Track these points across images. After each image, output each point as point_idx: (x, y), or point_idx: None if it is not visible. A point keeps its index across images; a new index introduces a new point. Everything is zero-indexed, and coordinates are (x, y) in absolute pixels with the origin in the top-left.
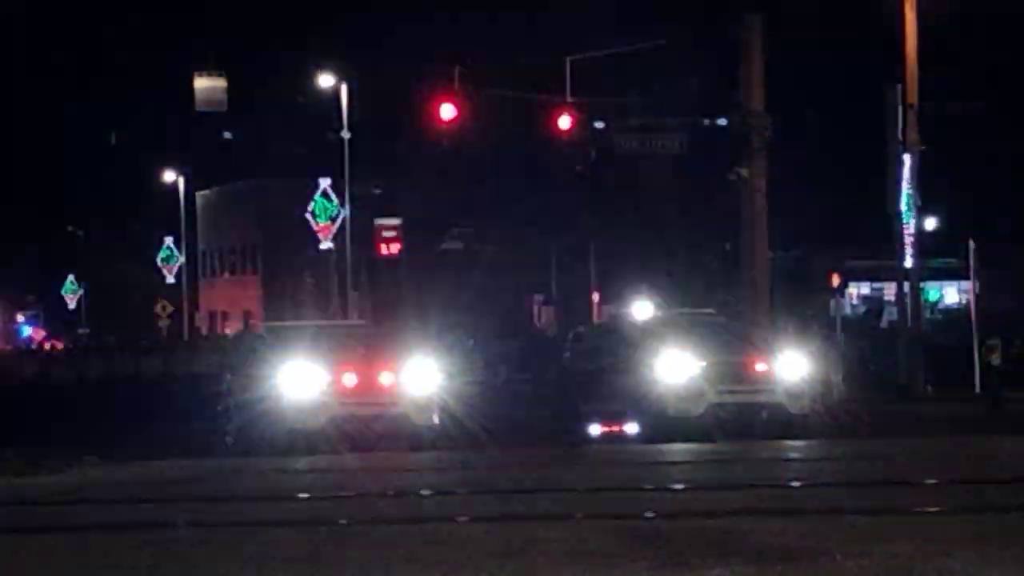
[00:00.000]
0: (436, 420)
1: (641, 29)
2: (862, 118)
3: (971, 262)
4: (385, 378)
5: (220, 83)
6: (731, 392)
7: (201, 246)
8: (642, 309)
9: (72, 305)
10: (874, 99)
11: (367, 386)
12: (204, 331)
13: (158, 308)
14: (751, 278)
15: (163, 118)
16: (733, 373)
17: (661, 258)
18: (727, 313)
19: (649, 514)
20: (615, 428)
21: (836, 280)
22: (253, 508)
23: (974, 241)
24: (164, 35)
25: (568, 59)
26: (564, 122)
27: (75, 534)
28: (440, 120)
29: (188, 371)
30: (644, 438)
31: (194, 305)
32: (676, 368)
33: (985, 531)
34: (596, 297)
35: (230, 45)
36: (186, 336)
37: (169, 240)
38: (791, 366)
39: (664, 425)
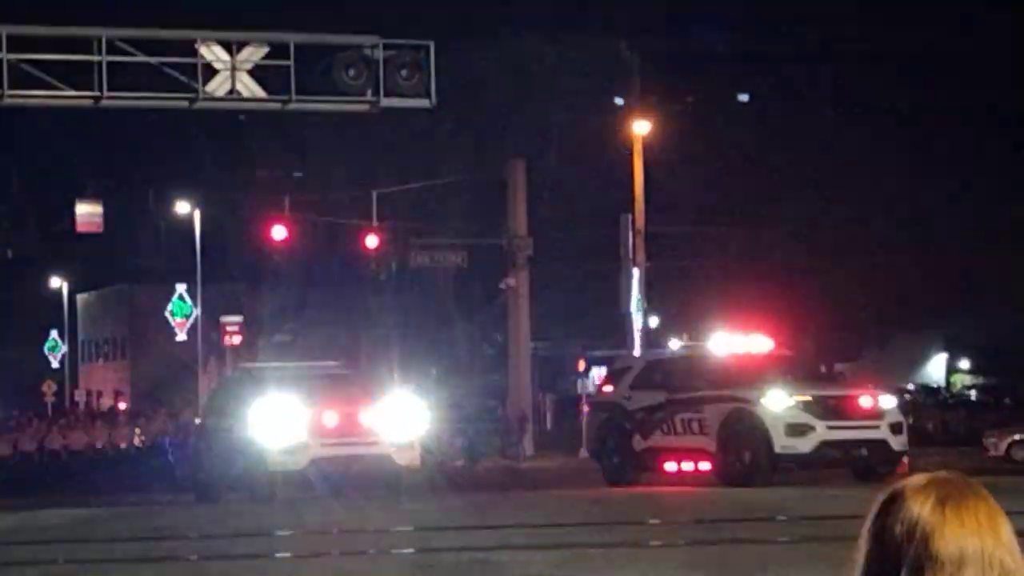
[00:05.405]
0: (419, 462)
1: (432, 168)
2: (604, 239)
3: None
4: (366, 418)
5: (97, 208)
6: (840, 428)
7: (81, 337)
8: (719, 341)
9: None
10: (611, 224)
11: (349, 426)
12: (81, 406)
13: (44, 387)
14: (516, 363)
15: (49, 236)
16: (840, 408)
17: (446, 346)
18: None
19: (433, 548)
20: (688, 465)
21: (582, 365)
22: (112, 548)
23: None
24: (50, 170)
25: (375, 192)
26: (371, 241)
27: None
28: (273, 239)
29: (110, 442)
30: (732, 477)
31: (74, 385)
32: (780, 401)
33: (694, 560)
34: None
35: (106, 177)
36: (66, 408)
37: (54, 333)
38: (889, 402)
39: (767, 462)
